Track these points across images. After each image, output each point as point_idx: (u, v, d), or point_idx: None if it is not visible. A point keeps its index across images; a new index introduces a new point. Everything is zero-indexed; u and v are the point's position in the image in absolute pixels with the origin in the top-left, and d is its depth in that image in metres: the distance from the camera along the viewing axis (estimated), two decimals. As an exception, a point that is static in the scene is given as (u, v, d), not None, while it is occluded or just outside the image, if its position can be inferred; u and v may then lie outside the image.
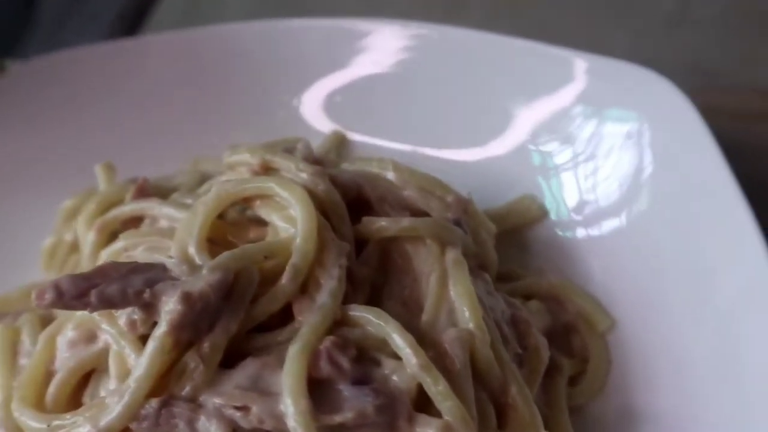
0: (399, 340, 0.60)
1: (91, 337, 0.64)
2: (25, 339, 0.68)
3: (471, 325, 0.63)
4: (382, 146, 0.85)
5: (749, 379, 0.64)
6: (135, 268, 0.60)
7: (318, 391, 0.57)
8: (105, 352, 0.63)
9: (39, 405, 0.62)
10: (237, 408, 0.57)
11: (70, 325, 0.64)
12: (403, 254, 0.68)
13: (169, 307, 0.57)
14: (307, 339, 0.59)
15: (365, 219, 0.67)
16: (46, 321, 0.71)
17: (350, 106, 0.88)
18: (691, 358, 0.68)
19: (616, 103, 0.79)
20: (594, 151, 0.79)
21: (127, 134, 0.88)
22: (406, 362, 0.59)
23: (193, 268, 0.60)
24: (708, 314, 0.68)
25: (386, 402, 0.58)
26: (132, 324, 0.58)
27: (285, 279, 0.61)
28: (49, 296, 0.56)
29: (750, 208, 0.68)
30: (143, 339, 0.60)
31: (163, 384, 0.58)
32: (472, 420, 0.59)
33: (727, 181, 0.70)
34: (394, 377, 0.59)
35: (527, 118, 0.81)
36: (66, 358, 0.63)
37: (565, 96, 0.80)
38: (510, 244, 0.78)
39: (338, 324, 0.61)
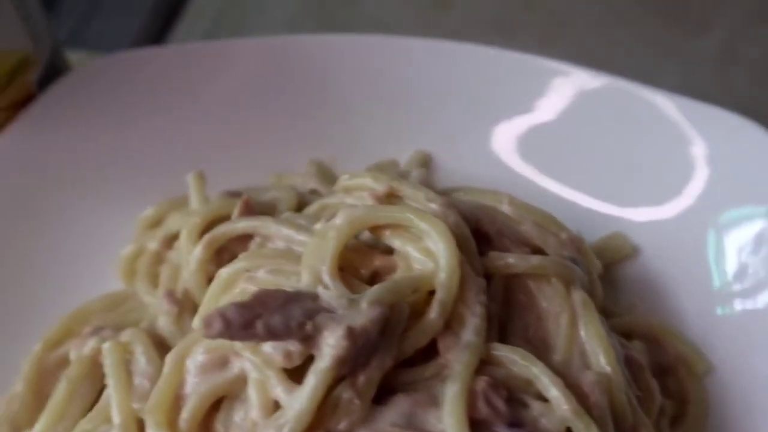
0: (548, 383, 0.60)
1: (223, 362, 0.62)
2: (140, 358, 0.66)
3: (608, 369, 0.63)
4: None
5: None
6: (290, 297, 0.58)
7: (476, 433, 0.57)
8: (239, 379, 0.61)
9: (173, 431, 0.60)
10: (398, 447, 0.56)
11: (200, 348, 0.62)
12: (526, 292, 0.68)
13: (333, 342, 0.56)
14: (464, 379, 0.59)
15: (492, 254, 0.67)
16: (154, 337, 0.68)
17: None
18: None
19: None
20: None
21: (204, 141, 0.86)
22: (556, 406, 0.60)
23: (351, 300, 0.59)
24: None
25: (544, 444, 0.58)
26: (288, 355, 0.57)
27: (433, 314, 0.61)
28: (217, 326, 0.54)
29: None
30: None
31: (317, 418, 0.57)
32: (618, 466, 0.59)
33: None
34: (543, 420, 0.59)
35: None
36: (197, 383, 0.61)
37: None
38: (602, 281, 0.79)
39: (483, 363, 0.61)
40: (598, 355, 0.64)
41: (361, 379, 0.58)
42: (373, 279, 0.66)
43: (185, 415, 0.60)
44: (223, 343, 0.61)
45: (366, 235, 0.68)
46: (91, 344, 0.69)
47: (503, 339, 0.65)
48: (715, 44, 1.13)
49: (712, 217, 0.78)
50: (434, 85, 0.88)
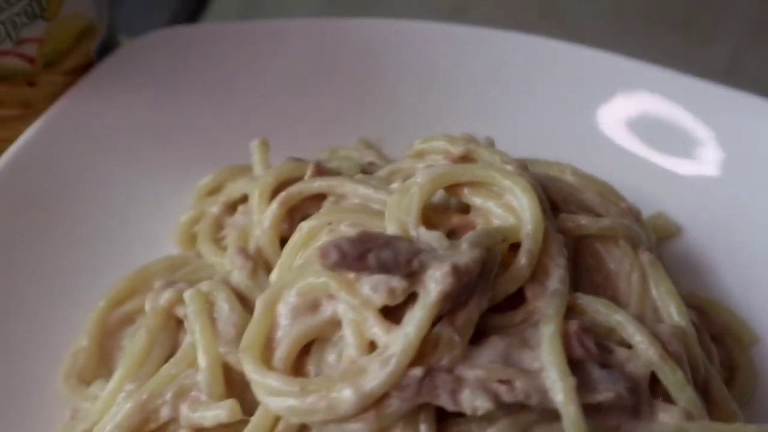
0: (634, 330, 0.62)
1: (314, 305, 0.63)
2: (223, 305, 0.66)
3: (682, 322, 0.66)
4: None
5: None
6: (391, 238, 0.60)
7: (572, 371, 0.59)
8: (331, 323, 0.62)
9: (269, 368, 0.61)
10: (501, 381, 0.57)
11: (292, 291, 0.63)
12: (595, 254, 0.70)
13: (439, 277, 0.58)
14: (557, 320, 0.60)
15: (563, 216, 0.69)
16: (231, 288, 0.69)
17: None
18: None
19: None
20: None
21: (256, 116, 0.88)
22: (641, 351, 0.62)
23: (452, 243, 0.60)
24: None
25: (632, 386, 0.60)
26: (392, 292, 0.58)
27: (522, 261, 0.63)
28: (333, 256, 0.56)
29: None
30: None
31: (418, 354, 0.58)
32: (701, 410, 0.61)
33: None
34: (629, 365, 0.61)
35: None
36: (289, 326, 0.62)
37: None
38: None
39: (568, 311, 0.63)
40: (671, 309, 0.67)
41: (460, 318, 0.59)
42: (450, 237, 0.67)
43: (279, 354, 0.61)
44: (315, 285, 0.62)
45: (437, 196, 0.70)
46: (166, 296, 0.69)
47: (575, 297, 0.67)
48: (722, 56, 1.19)
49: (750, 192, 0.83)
50: (478, 72, 0.91)
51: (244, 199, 0.79)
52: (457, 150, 0.71)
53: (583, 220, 0.69)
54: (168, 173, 0.83)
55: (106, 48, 0.86)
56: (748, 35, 1.20)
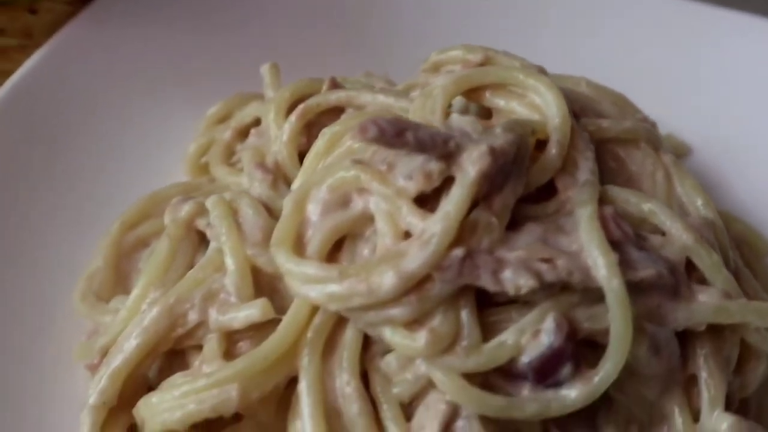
0: (666, 217, 0.62)
1: (345, 201, 0.61)
2: (246, 210, 0.65)
3: (710, 215, 0.66)
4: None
5: None
6: (425, 124, 0.59)
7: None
8: (363, 217, 0.61)
9: (304, 259, 0.59)
10: (542, 260, 0.57)
11: (322, 188, 0.61)
12: (616, 157, 0.70)
13: (476, 158, 0.57)
14: (593, 204, 0.60)
15: (584, 120, 0.69)
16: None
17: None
18: None
19: None
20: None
21: (261, 47, 0.86)
22: (676, 236, 0.62)
23: (485, 128, 0.60)
24: None
25: (671, 267, 0.60)
26: (428, 176, 0.57)
27: (552, 152, 0.63)
28: (372, 131, 0.55)
29: None
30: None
31: (457, 240, 0.57)
32: (737, 293, 0.61)
33: None
34: (664, 251, 0.61)
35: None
36: (319, 222, 0.61)
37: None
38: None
39: (599, 202, 0.62)
40: (697, 204, 0.67)
41: (497, 202, 0.58)
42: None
43: (311, 249, 0.60)
44: (347, 179, 0.61)
45: (457, 106, 0.69)
46: (186, 208, 0.67)
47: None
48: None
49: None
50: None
51: (255, 123, 0.77)
52: (475, 57, 0.71)
53: (605, 123, 0.69)
54: (175, 103, 0.83)
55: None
56: None
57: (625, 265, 0.58)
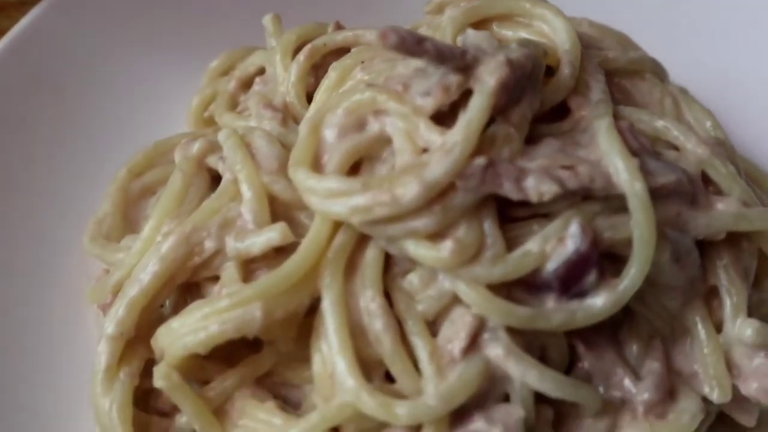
0: (679, 132, 0.63)
1: (360, 123, 0.61)
2: (259, 141, 0.64)
3: (721, 135, 0.66)
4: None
5: None
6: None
7: (630, 160, 0.59)
8: (379, 138, 0.61)
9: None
10: (564, 168, 0.57)
11: (338, 112, 0.61)
12: (622, 89, 0.70)
13: (494, 68, 0.57)
14: (609, 117, 0.60)
15: (592, 51, 0.70)
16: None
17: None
18: None
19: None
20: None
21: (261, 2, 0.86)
22: (691, 150, 0.62)
23: (501, 46, 0.60)
24: None
25: (689, 177, 0.60)
26: (446, 89, 0.57)
27: (565, 72, 0.63)
28: (393, 38, 0.55)
29: None
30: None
31: (478, 151, 0.57)
32: (751, 203, 0.62)
33: None
34: (679, 164, 0.62)
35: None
36: (336, 144, 0.60)
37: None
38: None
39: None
40: (707, 126, 0.67)
41: (515, 115, 0.59)
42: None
43: (330, 169, 0.59)
44: (363, 101, 0.60)
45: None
46: (197, 145, 0.66)
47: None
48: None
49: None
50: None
51: (259, 72, 0.77)
52: (479, -7, 0.71)
53: (611, 53, 0.70)
54: (177, 57, 0.82)
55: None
56: None
57: (644, 173, 0.58)
